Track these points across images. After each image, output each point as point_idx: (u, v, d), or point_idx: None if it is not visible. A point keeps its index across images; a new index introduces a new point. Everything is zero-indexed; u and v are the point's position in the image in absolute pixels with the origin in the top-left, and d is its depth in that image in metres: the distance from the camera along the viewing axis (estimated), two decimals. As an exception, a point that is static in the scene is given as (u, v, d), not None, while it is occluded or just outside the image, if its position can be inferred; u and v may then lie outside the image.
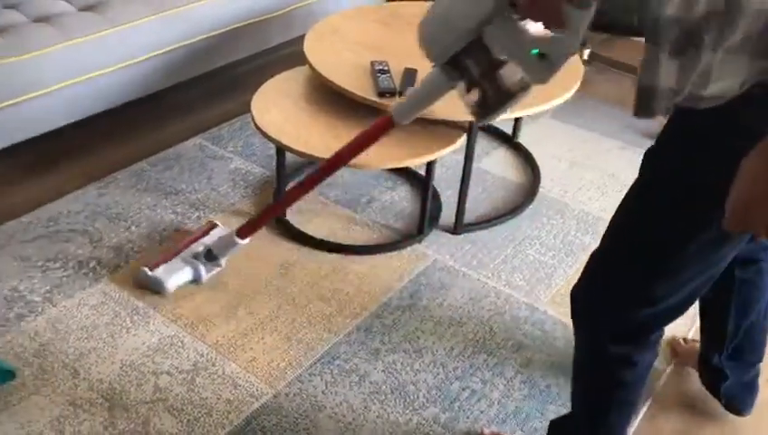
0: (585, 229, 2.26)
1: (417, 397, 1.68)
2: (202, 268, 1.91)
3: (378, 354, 1.78)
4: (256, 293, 1.93)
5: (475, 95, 1.22)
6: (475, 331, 1.87)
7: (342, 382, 1.70)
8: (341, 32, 2.31)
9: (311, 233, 2.15)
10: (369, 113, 2.04)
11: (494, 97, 1.20)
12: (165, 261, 1.90)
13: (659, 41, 1.00)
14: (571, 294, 1.30)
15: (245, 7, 2.59)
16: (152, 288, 1.89)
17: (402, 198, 2.35)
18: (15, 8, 2.24)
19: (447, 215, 2.26)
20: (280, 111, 2.06)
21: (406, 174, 2.43)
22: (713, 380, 1.65)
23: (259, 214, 1.83)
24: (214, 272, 1.93)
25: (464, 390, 1.71)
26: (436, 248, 2.13)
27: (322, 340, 1.81)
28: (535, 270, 2.08)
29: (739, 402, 1.65)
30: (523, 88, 1.19)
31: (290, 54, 2.69)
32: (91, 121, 2.34)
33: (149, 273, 1.87)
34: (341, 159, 1.61)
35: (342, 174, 2.40)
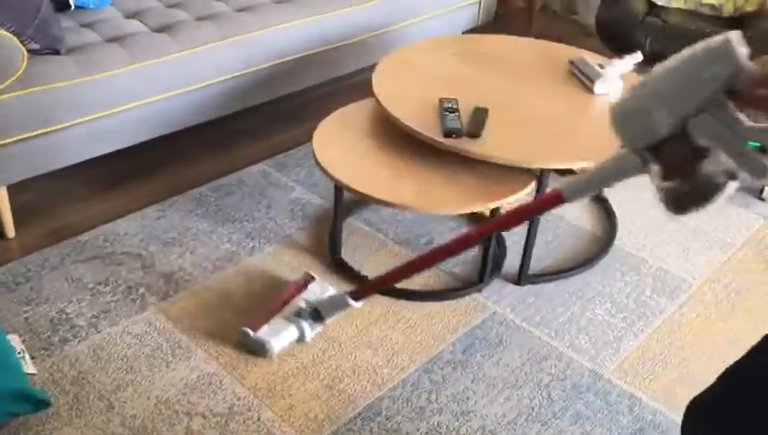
0: (662, 290, 2.07)
1: (461, 467, 1.55)
2: (306, 327, 1.75)
3: (422, 414, 1.66)
4: (302, 334, 1.85)
5: (671, 183, 1.08)
6: (531, 396, 1.72)
7: (382, 442, 1.59)
8: (414, 64, 2.22)
9: (365, 273, 2.05)
10: (434, 154, 1.94)
11: (696, 188, 1.07)
12: (266, 321, 1.76)
13: None
14: (689, 406, 1.12)
15: (317, 34, 2.54)
16: (255, 350, 1.75)
17: (465, 241, 2.22)
18: (90, 27, 2.26)
19: (511, 263, 2.12)
20: (341, 146, 1.98)
21: (470, 214, 2.31)
22: None
23: (379, 277, 1.61)
24: (318, 330, 1.78)
25: (513, 463, 1.57)
26: (497, 299, 2.00)
27: (365, 392, 1.71)
28: (603, 332, 1.92)
29: None
30: (731, 178, 1.05)
31: (362, 82, 2.62)
32: (156, 143, 2.34)
33: (252, 335, 1.73)
34: (500, 225, 1.52)
35: (403, 212, 2.30)
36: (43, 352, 1.74)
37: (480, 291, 2.02)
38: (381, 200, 1.80)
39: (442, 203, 1.81)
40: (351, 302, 1.63)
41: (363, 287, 1.69)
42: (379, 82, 2.09)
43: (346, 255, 2.12)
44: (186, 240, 2.14)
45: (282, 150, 2.59)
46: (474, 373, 1.77)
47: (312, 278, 1.90)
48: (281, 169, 2.49)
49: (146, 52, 2.16)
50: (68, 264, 2.02)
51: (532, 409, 1.69)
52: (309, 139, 2.65)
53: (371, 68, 2.20)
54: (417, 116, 1.94)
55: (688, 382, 1.78)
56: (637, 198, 2.45)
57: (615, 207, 2.39)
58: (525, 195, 1.87)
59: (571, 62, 2.23)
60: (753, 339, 1.83)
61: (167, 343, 1.80)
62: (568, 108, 2.03)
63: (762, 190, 2.50)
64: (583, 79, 2.16)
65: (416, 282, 2.04)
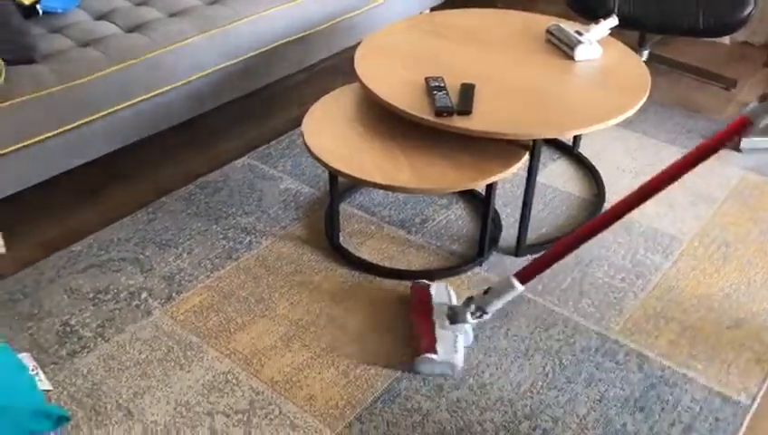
0: (655, 248, 2.12)
1: (485, 438, 1.58)
2: (468, 329, 1.75)
3: (441, 391, 1.69)
4: (311, 324, 1.85)
5: None
6: (543, 363, 1.76)
7: (404, 423, 1.61)
8: (393, 46, 2.22)
9: (365, 257, 2.06)
10: (424, 133, 1.95)
11: None
12: (434, 340, 1.71)
13: None
14: None
15: (288, 23, 2.51)
16: (442, 373, 1.71)
17: (458, 217, 2.25)
18: (60, 32, 2.21)
19: (508, 235, 2.15)
20: (331, 133, 1.98)
21: (461, 191, 2.33)
22: None
23: (543, 256, 1.61)
24: (481, 321, 1.73)
25: (534, 429, 1.61)
26: (499, 272, 2.03)
27: (382, 375, 1.72)
28: (604, 295, 1.96)
29: None
30: None
31: (331, 68, 2.61)
32: (137, 146, 2.30)
33: (438, 359, 1.68)
34: (682, 168, 1.48)
35: (395, 194, 2.31)
36: (53, 366, 1.72)
37: (481, 265, 2.05)
38: (378, 184, 1.80)
39: (437, 182, 1.82)
40: (517, 284, 1.63)
41: (528, 269, 1.64)
42: (361, 66, 2.09)
43: (343, 241, 2.12)
44: (181, 241, 2.12)
45: (263, 142, 2.58)
46: (485, 347, 1.80)
47: (428, 284, 1.88)
48: (266, 160, 2.48)
49: (122, 53, 2.12)
50: (65, 275, 1.99)
51: (546, 375, 1.73)
52: (289, 128, 2.65)
53: (340, 54, 2.19)
54: (406, 97, 1.94)
55: (691, 336, 1.83)
56: (620, 161, 2.50)
57: (601, 172, 2.43)
58: (522, 165, 1.89)
59: (549, 31, 2.25)
60: (747, 288, 1.91)
61: (177, 345, 1.79)
62: (551, 76, 2.06)
63: (739, 142, 2.57)
64: (562, 46, 2.18)
65: (416, 261, 2.06)
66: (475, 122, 1.84)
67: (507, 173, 1.85)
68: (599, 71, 2.10)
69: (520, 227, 2.05)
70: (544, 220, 2.23)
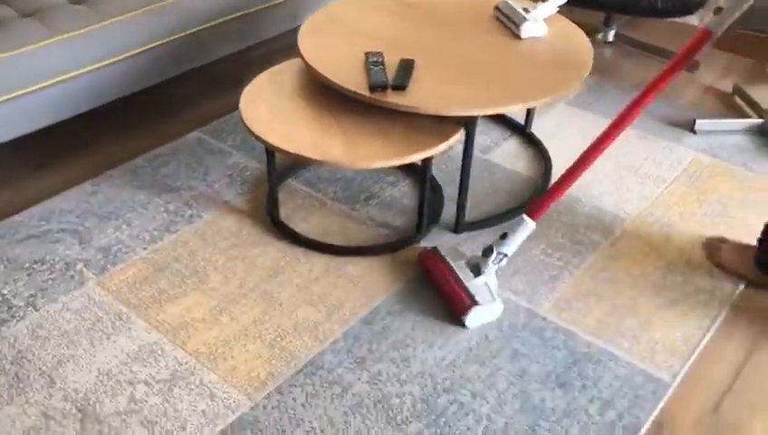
0: (596, 227, 2.12)
1: (401, 411, 1.59)
2: (493, 274, 1.83)
3: (363, 364, 1.70)
4: (242, 297, 1.86)
5: None
6: (469, 338, 1.77)
7: (324, 395, 1.62)
8: (340, 21, 2.21)
9: (305, 233, 2.07)
10: (364, 109, 1.94)
11: None
12: (470, 294, 1.79)
13: None
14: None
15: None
16: (492, 318, 1.81)
17: (404, 195, 2.25)
18: (5, 3, 2.20)
19: (450, 212, 2.15)
20: (269, 107, 1.97)
21: (408, 168, 2.33)
22: None
23: (549, 191, 1.77)
24: (502, 265, 1.84)
25: (451, 404, 1.62)
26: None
27: (307, 348, 1.73)
28: (539, 272, 1.96)
29: None
30: None
31: (292, 44, 2.60)
32: (87, 117, 2.30)
33: (481, 308, 1.77)
34: (656, 86, 1.64)
35: (342, 170, 2.31)
36: (-20, 334, 1.74)
37: (419, 242, 2.05)
38: (310, 159, 1.80)
39: (371, 157, 1.82)
40: (529, 221, 1.77)
41: (536, 204, 1.78)
42: (305, 41, 2.08)
43: (285, 216, 2.13)
44: (122, 213, 2.12)
45: (216, 117, 2.57)
46: (413, 321, 1.81)
47: (434, 247, 1.94)
48: (216, 135, 2.48)
49: (66, 24, 2.11)
50: (3, 245, 2.00)
51: (470, 350, 1.74)
52: (244, 103, 2.64)
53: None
54: (344, 72, 1.93)
55: (621, 314, 1.84)
56: (572, 142, 2.49)
57: (550, 151, 2.43)
58: (454, 141, 1.88)
59: (497, 8, 2.23)
60: (685, 267, 1.92)
61: (106, 315, 1.80)
62: (495, 54, 2.04)
63: (694, 123, 2.56)
64: (509, 24, 2.17)
65: (356, 238, 2.06)
66: (408, 98, 1.83)
67: (439, 149, 1.85)
68: (543, 48, 2.09)
69: (458, 205, 2.05)
70: (489, 198, 2.23)
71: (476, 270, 1.83)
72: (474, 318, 1.77)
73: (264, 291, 1.88)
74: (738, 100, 2.84)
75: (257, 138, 1.87)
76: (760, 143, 2.50)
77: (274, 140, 1.85)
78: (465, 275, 1.83)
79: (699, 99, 2.82)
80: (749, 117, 2.66)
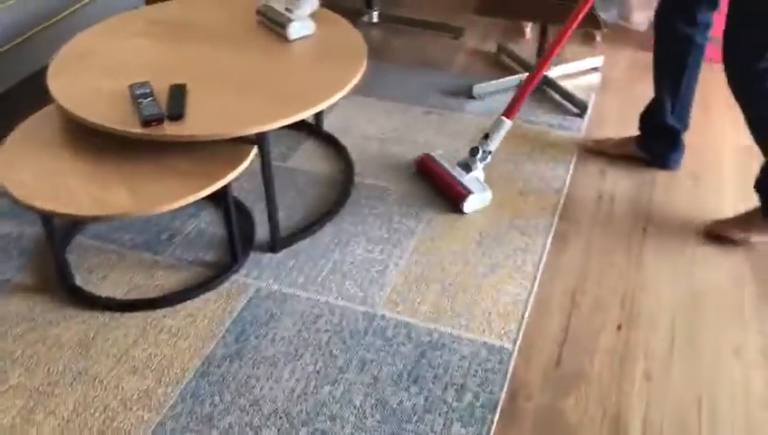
0: (408, 212, 2.13)
1: (264, 460, 1.49)
2: (481, 168, 2.15)
3: (211, 421, 1.56)
4: (54, 386, 1.63)
5: None
6: (314, 360, 1.69)
7: (175, 469, 1.47)
8: (93, 54, 1.99)
9: (108, 294, 1.86)
10: (141, 147, 1.77)
11: None
12: (465, 186, 2.10)
13: None
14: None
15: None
16: (483, 203, 2.12)
17: (209, 224, 2.10)
18: None
19: (263, 232, 2.04)
20: (32, 167, 1.73)
21: (206, 196, 2.17)
22: (664, 140, 2.24)
23: (519, 90, 2.12)
24: (488, 161, 2.16)
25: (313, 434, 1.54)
26: (257, 274, 1.92)
27: (143, 422, 1.56)
28: (366, 271, 1.93)
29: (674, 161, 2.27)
30: None
31: (42, 90, 2.32)
32: None
33: (475, 196, 2.09)
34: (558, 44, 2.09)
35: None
36: None
37: (237, 271, 1.93)
38: (92, 216, 1.61)
39: (162, 200, 1.65)
40: (506, 120, 2.11)
41: (510, 106, 2.11)
42: (55, 83, 1.85)
43: (82, 281, 1.90)
44: None
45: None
46: (253, 359, 1.69)
47: (428, 153, 2.25)
48: (-23, 207, 2.15)
49: None
50: None
51: (318, 372, 1.66)
52: None
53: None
54: (109, 110, 1.74)
55: (452, 293, 1.86)
56: (366, 131, 2.48)
57: (347, 146, 2.40)
58: (249, 162, 1.78)
59: (259, 12, 2.14)
60: (497, 232, 1.94)
61: None
62: (268, 62, 1.95)
63: (471, 89, 2.65)
64: (275, 27, 2.09)
65: (167, 284, 1.89)
66: (188, 127, 1.69)
67: (235, 173, 1.73)
68: (315, 47, 2.03)
69: (270, 224, 1.95)
70: (299, 207, 2.16)
71: (467, 168, 2.14)
72: (470, 204, 2.09)
73: (77, 372, 1.66)
74: (504, 58, 3.00)
75: (25, 205, 1.63)
76: (533, 97, 2.65)
77: (45, 203, 1.63)
78: (458, 172, 2.14)
79: (469, 63, 2.94)
80: (518, 72, 2.82)
